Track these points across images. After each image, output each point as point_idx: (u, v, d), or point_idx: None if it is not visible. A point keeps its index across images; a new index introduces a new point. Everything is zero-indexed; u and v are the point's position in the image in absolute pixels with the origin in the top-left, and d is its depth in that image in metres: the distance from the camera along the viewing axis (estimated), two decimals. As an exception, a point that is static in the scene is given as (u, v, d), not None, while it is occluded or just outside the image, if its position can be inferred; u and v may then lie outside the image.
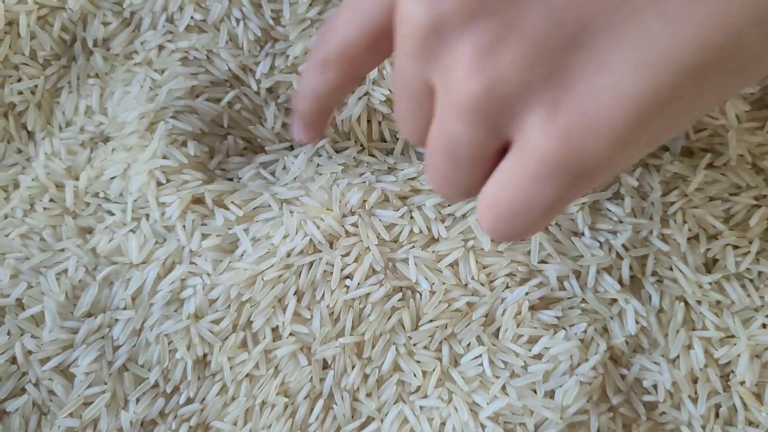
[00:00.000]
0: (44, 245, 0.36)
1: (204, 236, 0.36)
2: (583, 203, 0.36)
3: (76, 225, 0.37)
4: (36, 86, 0.40)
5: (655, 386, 0.34)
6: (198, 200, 0.37)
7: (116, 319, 0.35)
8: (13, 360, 0.34)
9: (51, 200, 0.38)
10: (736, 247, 0.35)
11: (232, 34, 0.38)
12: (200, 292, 0.35)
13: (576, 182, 0.21)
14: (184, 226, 0.36)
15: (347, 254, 0.35)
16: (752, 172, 0.37)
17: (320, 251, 0.35)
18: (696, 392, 0.34)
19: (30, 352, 0.34)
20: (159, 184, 0.36)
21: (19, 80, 0.40)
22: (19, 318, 0.34)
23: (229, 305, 0.34)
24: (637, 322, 0.34)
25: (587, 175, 0.21)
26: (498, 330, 0.34)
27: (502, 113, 0.21)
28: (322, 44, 0.26)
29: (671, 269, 0.35)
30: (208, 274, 0.35)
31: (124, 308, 0.35)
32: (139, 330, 0.35)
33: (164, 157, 0.36)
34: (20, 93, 0.40)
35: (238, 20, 0.38)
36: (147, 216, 0.37)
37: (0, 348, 0.34)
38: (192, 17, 0.38)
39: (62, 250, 0.36)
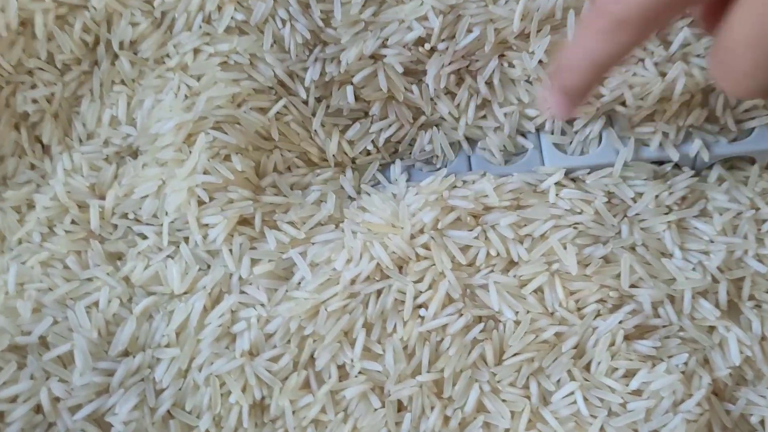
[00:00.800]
0: (69, 274, 0.32)
1: (254, 262, 0.32)
2: (669, 222, 0.33)
3: (104, 250, 0.33)
4: (53, 94, 0.35)
5: (762, 422, 0.31)
6: (245, 221, 0.33)
7: (158, 359, 0.30)
8: (38, 409, 0.29)
9: (73, 222, 0.33)
10: (836, 267, 0.33)
11: (277, 37, 0.35)
12: (255, 326, 0.30)
13: None
14: (231, 251, 0.32)
15: (420, 280, 0.31)
16: None
17: (389, 277, 0.31)
18: (806, 428, 0.31)
19: (58, 399, 0.29)
20: (200, 203, 0.32)
21: (34, 87, 0.35)
22: (44, 359, 0.30)
23: (289, 340, 0.30)
24: (741, 352, 0.31)
25: None
26: (590, 363, 0.31)
27: None
28: (613, 3, 0.24)
29: (769, 292, 0.32)
30: (263, 305, 0.31)
31: (167, 345, 0.31)
32: (186, 371, 0.30)
33: (206, 173, 0.32)
34: (35, 101, 0.35)
35: (284, 21, 0.34)
36: (186, 239, 0.33)
37: (22, 395, 0.29)
38: (232, 18, 0.34)
39: (90, 279, 0.32)
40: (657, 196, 0.33)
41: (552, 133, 0.35)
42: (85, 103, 0.36)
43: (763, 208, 0.34)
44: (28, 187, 0.35)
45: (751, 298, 0.32)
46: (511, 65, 0.35)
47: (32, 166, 0.35)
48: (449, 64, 0.34)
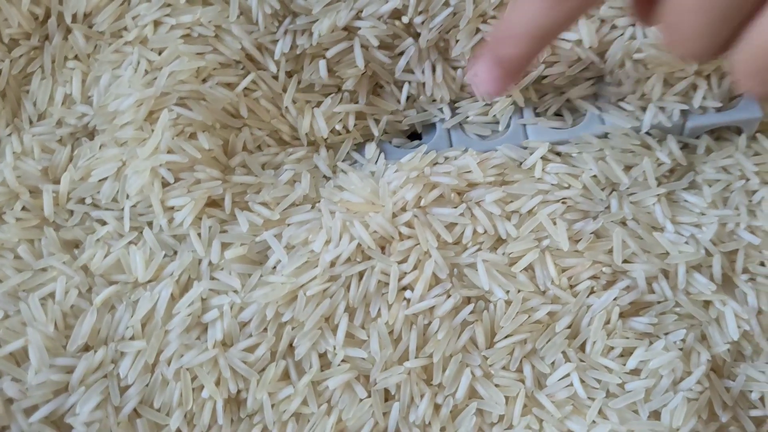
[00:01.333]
0: (21, 264, 0.29)
1: (225, 245, 0.30)
2: (659, 195, 0.32)
3: (59, 238, 0.30)
4: (0, 71, 0.32)
5: (762, 399, 0.30)
6: (214, 203, 0.30)
7: (123, 353, 0.28)
8: (-11, 411, 0.26)
9: (24, 209, 0.31)
10: (831, 236, 0.32)
11: (244, 7, 0.32)
12: (228, 314, 0.28)
13: None
14: (199, 234, 0.29)
15: (404, 260, 0.29)
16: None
17: (371, 258, 0.29)
18: (806, 403, 0.30)
19: (11, 401, 0.27)
20: (165, 184, 0.30)
21: (-23, 65, 0.32)
22: (-5, 357, 0.27)
23: (266, 328, 0.28)
24: (738, 326, 0.30)
25: None
26: (585, 343, 0.29)
27: None
28: None
29: (763, 265, 0.31)
30: (236, 291, 0.29)
31: (132, 338, 0.28)
32: (153, 365, 0.28)
33: (170, 152, 0.30)
34: (-21, 80, 0.32)
35: (251, -10, 0.32)
36: (150, 224, 0.30)
37: (-29, 397, 0.26)
38: (195, -14, 0.32)
39: (44, 269, 0.29)
40: (644, 171, 0.32)
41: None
42: (35, 81, 0.33)
43: (752, 178, 0.33)
44: (-27, 173, 0.32)
45: (746, 271, 0.31)
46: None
47: (-23, 150, 0.32)
48: (426, 42, 0.33)
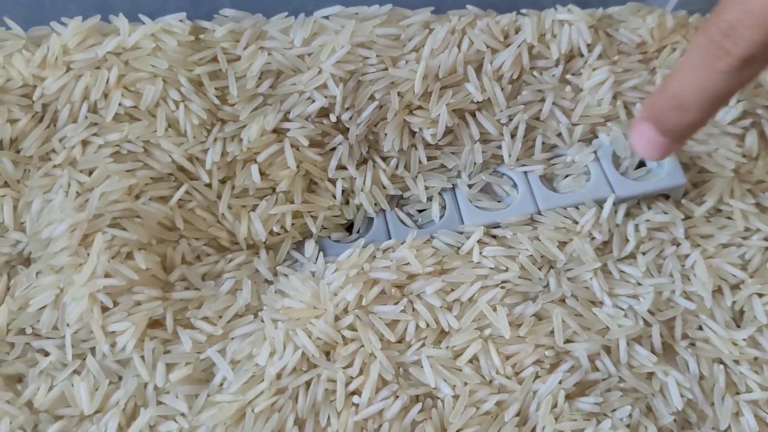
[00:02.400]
0: (-38, 407, 0.29)
1: (170, 367, 0.29)
2: (595, 269, 0.32)
3: (1, 374, 0.30)
4: (-73, 205, 0.32)
5: (712, 465, 0.30)
6: (156, 323, 0.30)
7: (72, 492, 0.28)
8: None
9: (-38, 346, 0.30)
10: (761, 295, 0.33)
11: (171, 120, 0.33)
12: (177, 440, 0.28)
13: None
14: (143, 357, 0.29)
15: (350, 365, 0.30)
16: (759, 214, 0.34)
17: (317, 366, 0.29)
18: (753, 463, 0.30)
19: None
20: (104, 309, 0.30)
21: None
22: None
23: (216, 450, 0.28)
24: (681, 395, 0.30)
25: None
26: (535, 428, 0.30)
27: None
28: (736, 43, 0.22)
29: (701, 329, 0.32)
30: (183, 415, 0.29)
31: (81, 476, 0.28)
32: (104, 501, 0.27)
33: (107, 276, 0.30)
34: None
35: (176, 103, 0.32)
36: (93, 350, 0.30)
37: None
38: (120, 104, 0.32)
39: (-13, 410, 0.29)
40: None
41: (469, 187, 0.34)
42: (-35, 211, 0.33)
43: (683, 243, 0.33)
44: None
45: (684, 337, 0.32)
46: (413, 133, 0.34)
47: None
48: (355, 137, 0.33)
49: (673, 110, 0.25)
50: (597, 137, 0.35)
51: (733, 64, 0.23)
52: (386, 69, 0.33)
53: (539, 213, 0.34)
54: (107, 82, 0.32)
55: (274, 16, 0.34)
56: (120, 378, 0.30)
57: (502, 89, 0.34)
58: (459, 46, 0.34)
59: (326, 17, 0.34)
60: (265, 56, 0.33)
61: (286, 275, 0.33)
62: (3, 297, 0.31)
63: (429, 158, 0.35)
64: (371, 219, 0.35)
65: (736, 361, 0.32)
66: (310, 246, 0.34)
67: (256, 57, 0.33)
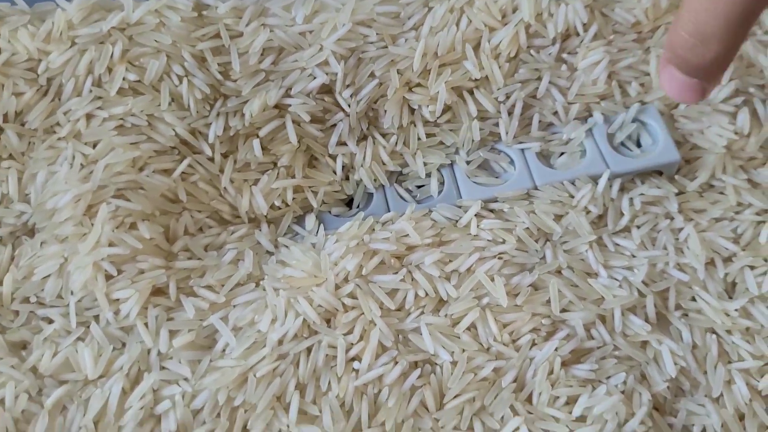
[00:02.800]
0: (-32, 372, 0.29)
1: (173, 333, 0.30)
2: (590, 241, 0.33)
3: (5, 341, 0.30)
4: (-67, 177, 0.33)
5: (704, 431, 0.31)
6: (159, 291, 0.31)
7: (77, 454, 0.28)
8: None
9: (-32, 314, 0.31)
10: (752, 267, 0.33)
11: (174, 94, 0.33)
12: (180, 404, 0.28)
13: None
14: (146, 324, 0.30)
15: (350, 332, 0.30)
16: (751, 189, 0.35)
17: (317, 332, 0.30)
18: (745, 429, 0.31)
19: None
20: (108, 277, 0.30)
21: None
22: (-53, 471, 0.27)
23: (219, 414, 0.29)
24: (675, 363, 0.31)
25: None
26: (531, 394, 0.30)
27: None
28: None
29: (694, 300, 0.33)
30: (187, 380, 0.29)
31: (86, 437, 0.28)
32: (109, 462, 0.28)
33: (111, 245, 0.30)
34: None
35: (180, 77, 0.33)
36: (96, 318, 0.30)
37: None
38: (124, 78, 0.33)
39: (-7, 374, 0.29)
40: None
41: (468, 164, 0.35)
42: (-30, 183, 0.33)
43: (676, 217, 0.34)
44: None
45: (678, 307, 0.33)
46: (412, 110, 0.35)
47: None
48: (355, 114, 0.34)
49: (694, 47, 0.22)
50: (592, 115, 0.36)
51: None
52: (386, 47, 0.34)
53: (536, 188, 0.35)
54: (111, 56, 0.33)
55: (277, -7, 0.35)
56: (123, 344, 0.30)
57: (500, 67, 0.35)
58: (457, 25, 0.34)
59: (327, -5, 0.35)
60: (267, 33, 0.33)
61: (287, 246, 0.33)
62: (8, 266, 0.32)
63: (428, 135, 0.35)
64: (371, 194, 0.35)
65: (729, 331, 0.32)
66: (310, 220, 0.35)
67: (258, 33, 0.34)
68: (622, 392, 0.30)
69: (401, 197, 0.35)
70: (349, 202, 0.36)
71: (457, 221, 0.34)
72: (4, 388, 0.29)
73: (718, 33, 0.21)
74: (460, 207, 0.34)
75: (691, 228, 0.34)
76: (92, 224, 0.31)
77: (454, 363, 0.30)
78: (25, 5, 0.34)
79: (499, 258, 0.32)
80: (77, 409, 0.29)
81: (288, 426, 0.29)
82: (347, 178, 0.35)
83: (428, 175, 0.36)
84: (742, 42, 0.22)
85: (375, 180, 0.35)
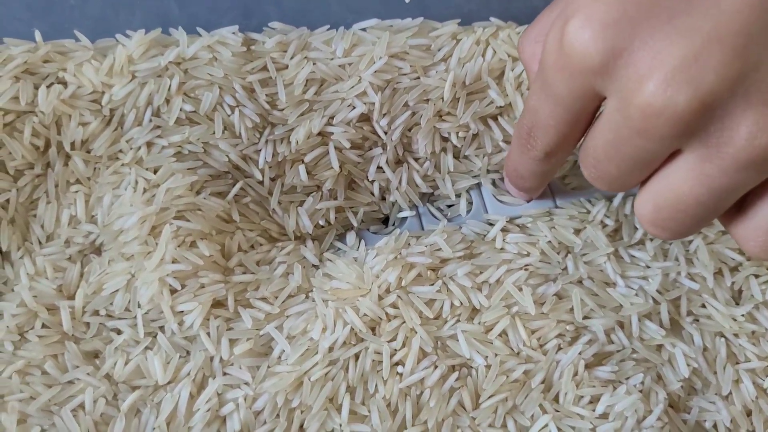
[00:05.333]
0: (49, 379, 0.32)
1: (233, 342, 0.33)
2: (608, 254, 0.36)
3: (80, 350, 0.33)
4: (8, 200, 0.36)
5: (715, 426, 0.34)
6: (219, 303, 0.34)
7: (152, 452, 0.31)
8: None
9: (44, 326, 0.34)
10: (757, 276, 0.36)
11: (227, 123, 0.36)
12: (243, 406, 0.32)
13: None
14: (208, 334, 0.33)
15: (393, 339, 0.33)
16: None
17: (364, 340, 0.33)
18: (752, 424, 0.34)
19: (56, 507, 0.29)
20: (173, 291, 0.33)
21: (-14, 196, 0.35)
22: (36, 469, 0.30)
23: (278, 414, 0.32)
24: (688, 365, 0.34)
25: None
26: (558, 394, 0.33)
27: None
28: (539, 141, 0.27)
29: (704, 306, 0.36)
30: (248, 384, 0.32)
31: (159, 437, 0.31)
32: (181, 459, 0.31)
33: (175, 261, 0.33)
34: (-11, 210, 0.35)
35: (232, 108, 0.36)
36: (162, 329, 0.33)
37: None
38: (181, 109, 0.36)
39: (71, 382, 0.32)
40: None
41: (494, 185, 0.38)
42: (41, 206, 0.36)
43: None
44: (-8, 296, 0.35)
45: (689, 313, 0.36)
46: (443, 138, 0.38)
47: (-7, 275, 0.35)
48: (391, 141, 0.37)
49: (517, 179, 0.33)
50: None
51: (538, 156, 0.28)
52: (418, 77, 0.37)
53: (556, 206, 0.38)
54: (169, 89, 0.36)
55: (318, 28, 0.38)
56: (188, 352, 0.33)
57: (522, 95, 0.38)
58: (483, 56, 0.37)
59: (364, 29, 0.38)
60: (310, 66, 0.36)
61: (331, 260, 0.36)
62: (78, 282, 0.35)
63: (456, 157, 0.39)
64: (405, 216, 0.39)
65: (736, 335, 0.35)
66: (351, 237, 0.38)
67: (302, 66, 0.37)
68: (640, 391, 0.33)
69: (433, 216, 0.38)
70: (385, 221, 0.39)
71: (485, 236, 0.37)
72: (82, 394, 0.32)
73: (528, 176, 0.32)
74: (487, 222, 0.37)
75: (700, 240, 0.37)
76: (156, 243, 0.34)
77: (488, 366, 0.33)
78: (88, 41, 0.37)
79: (525, 269, 0.35)
80: (150, 412, 0.32)
81: (340, 425, 0.32)
82: (384, 199, 0.38)
83: (458, 195, 0.39)
84: (550, 178, 0.33)
85: (409, 201, 0.38)
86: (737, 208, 0.24)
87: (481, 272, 0.35)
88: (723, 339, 0.35)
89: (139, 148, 0.36)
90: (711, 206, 0.23)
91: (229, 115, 0.36)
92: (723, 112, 0.21)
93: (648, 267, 0.36)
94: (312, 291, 0.35)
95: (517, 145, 0.29)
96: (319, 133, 0.36)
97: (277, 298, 0.34)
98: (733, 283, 0.36)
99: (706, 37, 0.20)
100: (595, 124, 0.25)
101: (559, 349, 0.34)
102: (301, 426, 0.32)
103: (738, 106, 0.20)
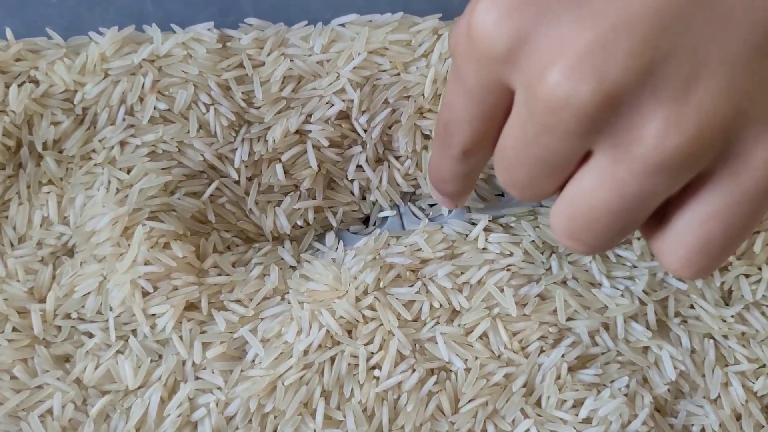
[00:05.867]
0: (17, 384, 0.31)
1: (206, 345, 0.32)
2: (594, 253, 0.35)
3: (51, 354, 0.32)
4: (-21, 202, 0.35)
5: (703, 430, 0.33)
6: (192, 306, 0.33)
7: (121, 458, 0.30)
8: None
9: (15, 330, 0.33)
10: (747, 275, 0.35)
11: (202, 122, 0.35)
12: (215, 411, 0.31)
13: None
14: (181, 337, 0.32)
15: (370, 342, 0.32)
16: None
17: (340, 343, 0.32)
18: (742, 428, 0.33)
19: None
20: (145, 293, 0.32)
21: (-43, 197, 0.35)
22: (2, 477, 0.29)
23: (251, 420, 0.31)
24: (675, 367, 0.33)
25: None
26: (540, 398, 0.32)
27: (712, 151, 0.19)
28: (455, 139, 0.25)
29: (692, 307, 0.35)
30: (220, 388, 0.31)
31: (129, 443, 0.30)
32: (150, 466, 0.30)
33: (147, 263, 0.32)
34: (-40, 212, 0.35)
35: (207, 106, 0.35)
36: (134, 332, 0.33)
37: None
38: (155, 107, 0.35)
39: (40, 386, 0.32)
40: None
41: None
42: (13, 207, 0.35)
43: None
44: (-38, 299, 0.34)
45: (677, 314, 0.35)
46: (424, 135, 0.37)
47: (-36, 277, 0.35)
48: (371, 139, 0.36)
49: (438, 182, 0.30)
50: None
51: (456, 155, 0.26)
52: (398, 74, 0.36)
53: (540, 205, 0.37)
54: (143, 87, 0.35)
55: (295, 24, 0.37)
56: (160, 356, 0.32)
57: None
58: (465, 51, 0.36)
59: (342, 25, 0.37)
60: (288, 62, 0.36)
61: (309, 261, 0.35)
62: (50, 284, 0.34)
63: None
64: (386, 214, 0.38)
65: (725, 336, 0.34)
66: (330, 237, 0.37)
67: (279, 63, 0.36)
68: (626, 395, 0.32)
69: (415, 215, 0.37)
70: (366, 221, 0.38)
71: (467, 235, 0.36)
72: (51, 399, 0.31)
73: (450, 179, 0.29)
74: (470, 222, 0.36)
75: (688, 239, 0.36)
76: (129, 245, 0.33)
77: (467, 370, 0.32)
78: (60, 39, 0.36)
79: (508, 270, 0.34)
80: (120, 417, 0.31)
81: (315, 430, 0.31)
82: (364, 198, 0.38)
83: (440, 193, 0.38)
84: (473, 181, 0.30)
85: (390, 200, 0.37)
86: (658, 219, 0.22)
87: (462, 273, 0.34)
88: (712, 341, 0.34)
89: (112, 147, 0.35)
90: (625, 216, 0.21)
91: (204, 114, 0.35)
92: (631, 107, 0.19)
93: (634, 267, 0.35)
94: (288, 293, 0.34)
95: (436, 144, 0.27)
96: (297, 132, 0.36)
97: (252, 300, 0.33)
98: (722, 283, 0.35)
99: (616, 23, 0.18)
100: (507, 121, 0.23)
101: (542, 351, 0.33)
102: (275, 431, 0.31)
103: (647, 101, 0.19)
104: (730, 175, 0.20)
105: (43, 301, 0.33)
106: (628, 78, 0.18)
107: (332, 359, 0.32)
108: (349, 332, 0.33)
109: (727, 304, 0.35)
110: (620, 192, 0.20)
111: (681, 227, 0.21)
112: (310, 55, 0.36)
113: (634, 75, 0.18)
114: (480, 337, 0.33)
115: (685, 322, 0.35)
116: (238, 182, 0.36)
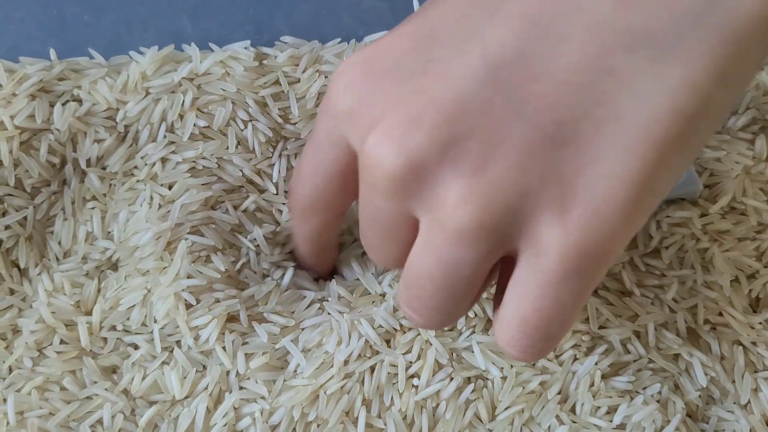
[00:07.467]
0: (67, 395, 0.32)
1: (248, 356, 0.33)
2: (623, 262, 0.36)
3: (98, 365, 0.33)
4: (25, 218, 0.36)
5: (734, 435, 0.34)
6: (233, 318, 0.34)
7: (170, 467, 0.31)
8: None
9: (62, 342, 0.34)
10: (774, 283, 0.36)
11: (240, 138, 0.36)
12: (260, 420, 0.32)
13: (599, 267, 0.21)
14: (224, 348, 0.33)
15: (408, 351, 0.33)
16: (770, 209, 0.38)
17: (379, 352, 0.33)
18: (772, 434, 0.34)
19: None
20: (188, 306, 0.33)
21: (4, 214, 0.36)
22: (56, 485, 0.30)
23: (294, 428, 0.32)
24: (705, 374, 0.34)
25: (607, 255, 0.21)
26: (575, 405, 0.33)
27: (506, 227, 0.21)
28: (296, 194, 0.28)
29: (721, 314, 0.36)
30: (264, 398, 0.32)
31: (177, 452, 0.31)
32: (199, 475, 0.31)
33: (189, 277, 0.33)
34: (7, 228, 0.36)
35: (245, 122, 0.36)
36: (178, 343, 0.34)
37: None
38: (195, 125, 0.36)
39: (90, 397, 0.33)
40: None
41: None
42: (58, 223, 0.36)
43: (702, 238, 0.37)
44: (11, 313, 0.35)
45: (706, 322, 0.36)
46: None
47: (11, 291, 0.36)
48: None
49: (296, 249, 0.35)
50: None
51: (298, 213, 0.30)
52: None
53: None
54: (182, 104, 0.36)
55: (329, 42, 0.38)
56: (204, 367, 0.33)
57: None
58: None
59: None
60: (323, 79, 0.37)
61: (345, 269, 0.36)
62: (95, 298, 0.35)
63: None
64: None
65: (754, 343, 0.35)
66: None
67: (314, 80, 0.37)
68: (658, 401, 0.33)
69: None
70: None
71: (499, 246, 0.37)
72: (101, 410, 0.32)
73: (300, 245, 0.34)
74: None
75: (716, 248, 0.36)
76: (171, 259, 0.34)
77: (503, 378, 0.33)
78: (102, 59, 0.37)
79: (540, 280, 0.35)
80: (168, 427, 0.32)
81: (357, 438, 0.32)
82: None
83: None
84: (326, 254, 0.35)
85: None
86: (500, 298, 0.24)
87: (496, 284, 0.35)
88: (741, 347, 0.35)
89: (154, 164, 0.36)
90: (446, 283, 0.22)
91: (242, 130, 0.36)
92: (436, 176, 0.21)
93: (664, 275, 0.36)
94: (326, 300, 0.35)
95: (288, 206, 0.31)
96: (332, 146, 0.37)
97: (293, 312, 0.34)
98: (750, 290, 0.36)
99: (428, 99, 0.21)
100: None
101: (575, 359, 0.34)
102: (318, 440, 0.32)
103: (449, 172, 0.21)
104: (533, 257, 0.21)
105: (89, 313, 0.34)
106: (430, 149, 0.20)
107: (372, 368, 0.33)
108: (388, 342, 0.33)
109: (755, 311, 0.36)
110: (437, 258, 0.22)
111: (504, 306, 0.23)
112: (343, 72, 0.37)
113: (435, 146, 0.20)
114: (515, 346, 0.34)
115: (715, 329, 0.36)
116: (276, 194, 0.37)
